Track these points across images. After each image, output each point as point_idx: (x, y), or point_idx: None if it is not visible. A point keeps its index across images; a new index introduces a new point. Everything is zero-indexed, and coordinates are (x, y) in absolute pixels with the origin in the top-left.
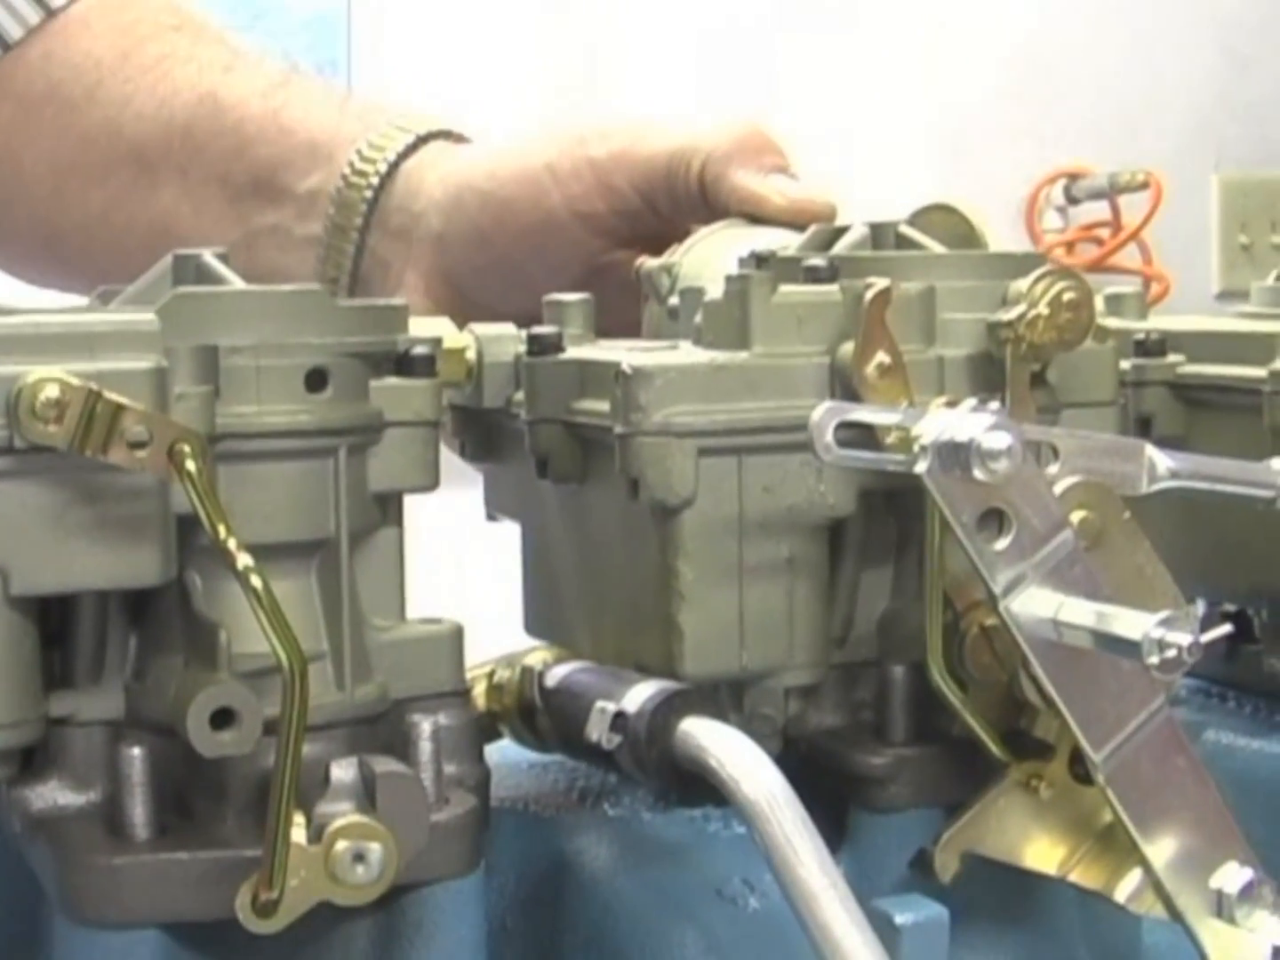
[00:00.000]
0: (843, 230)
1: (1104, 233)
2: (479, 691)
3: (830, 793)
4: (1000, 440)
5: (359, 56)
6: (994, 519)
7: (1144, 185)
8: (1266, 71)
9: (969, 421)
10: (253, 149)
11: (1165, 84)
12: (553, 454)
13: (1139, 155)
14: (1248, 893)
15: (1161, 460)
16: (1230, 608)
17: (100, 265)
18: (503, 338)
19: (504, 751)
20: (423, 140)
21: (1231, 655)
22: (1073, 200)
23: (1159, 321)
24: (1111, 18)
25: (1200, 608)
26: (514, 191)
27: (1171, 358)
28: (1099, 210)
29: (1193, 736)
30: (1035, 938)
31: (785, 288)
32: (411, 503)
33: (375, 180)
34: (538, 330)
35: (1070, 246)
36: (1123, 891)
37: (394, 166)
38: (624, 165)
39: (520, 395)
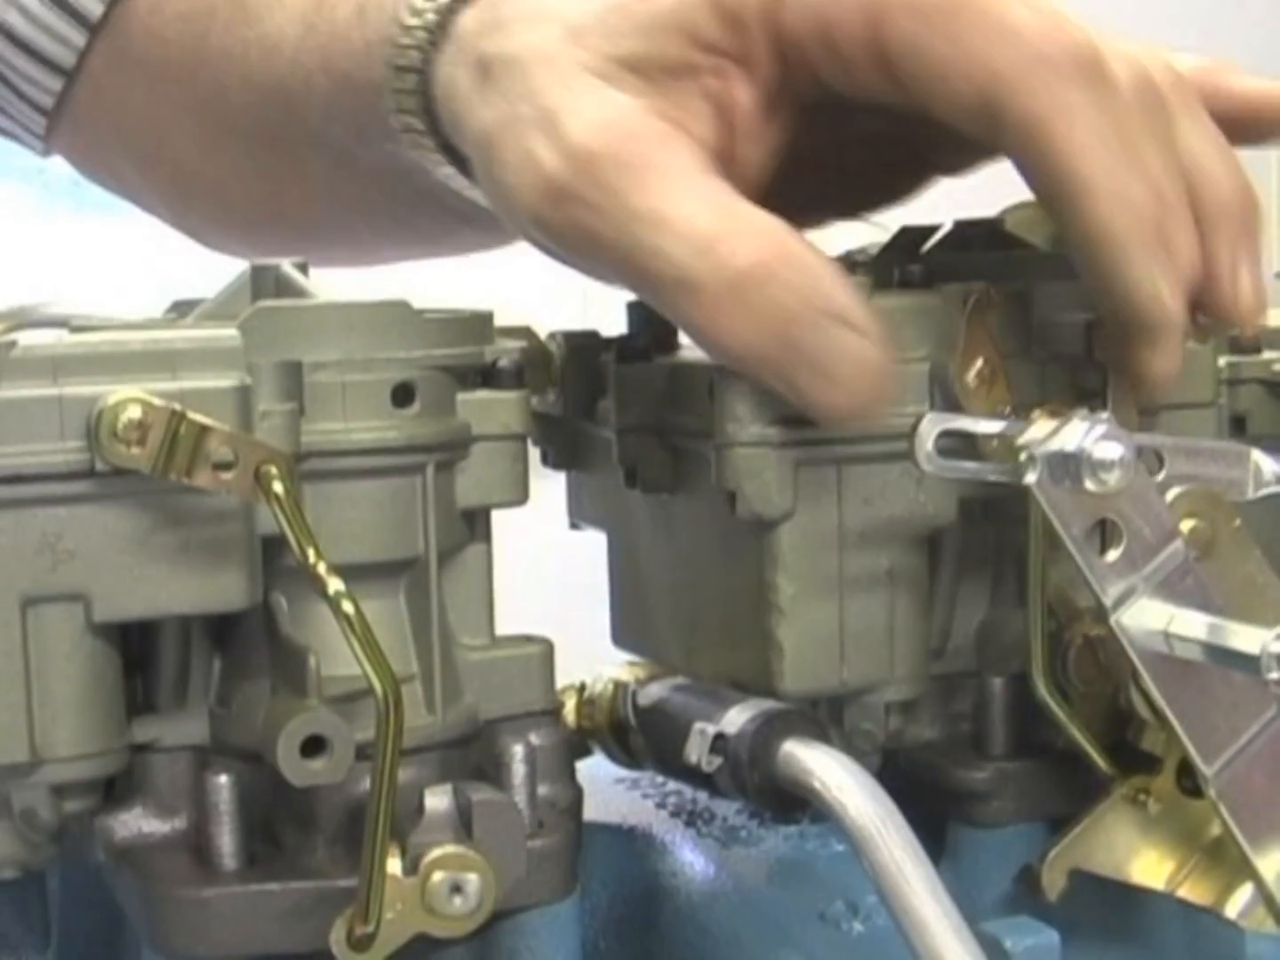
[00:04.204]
0: (931, 229)
1: None
2: (569, 708)
3: (930, 807)
4: (1112, 450)
5: None
6: (1103, 530)
7: None
8: None
9: (1078, 431)
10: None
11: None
12: (642, 463)
13: None
14: None
15: (1268, 465)
16: None
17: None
18: (586, 344)
19: (594, 767)
20: None
21: None
22: None
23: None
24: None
25: None
26: None
27: (1267, 354)
28: None
29: None
30: (1143, 955)
31: (881, 293)
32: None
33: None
34: (623, 336)
35: None
36: (1234, 907)
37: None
38: None
39: (607, 402)
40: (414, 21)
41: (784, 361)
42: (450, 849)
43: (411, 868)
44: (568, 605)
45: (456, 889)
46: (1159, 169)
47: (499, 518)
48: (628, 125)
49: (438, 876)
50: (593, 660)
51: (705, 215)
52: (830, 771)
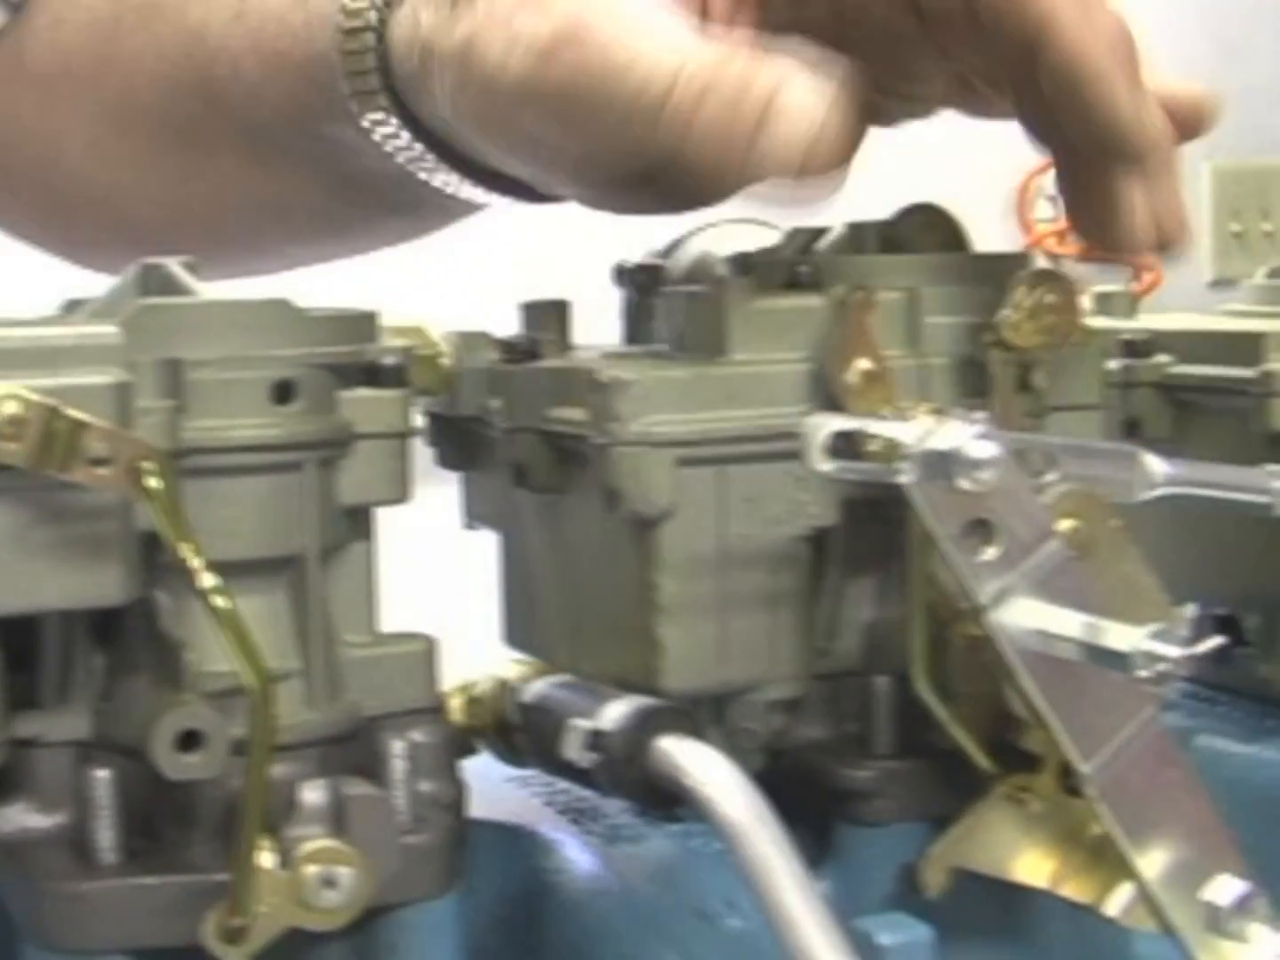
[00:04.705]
0: (822, 231)
1: None
2: (456, 706)
3: (816, 806)
4: (986, 449)
5: None
6: (979, 529)
7: None
8: (1257, 60)
9: (954, 430)
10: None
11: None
12: (529, 463)
13: None
14: (1241, 905)
15: (1156, 467)
16: (1222, 612)
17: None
18: (478, 344)
19: (485, 765)
20: None
21: (1223, 660)
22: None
23: (1147, 321)
24: None
25: (1192, 612)
26: None
27: (1160, 358)
28: None
29: (1184, 742)
30: (1025, 952)
31: (766, 294)
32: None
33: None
34: (512, 337)
35: (1061, 236)
36: (1114, 905)
37: None
38: None
39: (497, 403)
40: None
41: (743, 136)
42: (323, 843)
43: (284, 861)
44: (468, 606)
45: (329, 882)
46: (1117, 13)
47: (404, 517)
48: None
49: (310, 870)
50: (493, 661)
51: (668, 35)
52: (702, 768)
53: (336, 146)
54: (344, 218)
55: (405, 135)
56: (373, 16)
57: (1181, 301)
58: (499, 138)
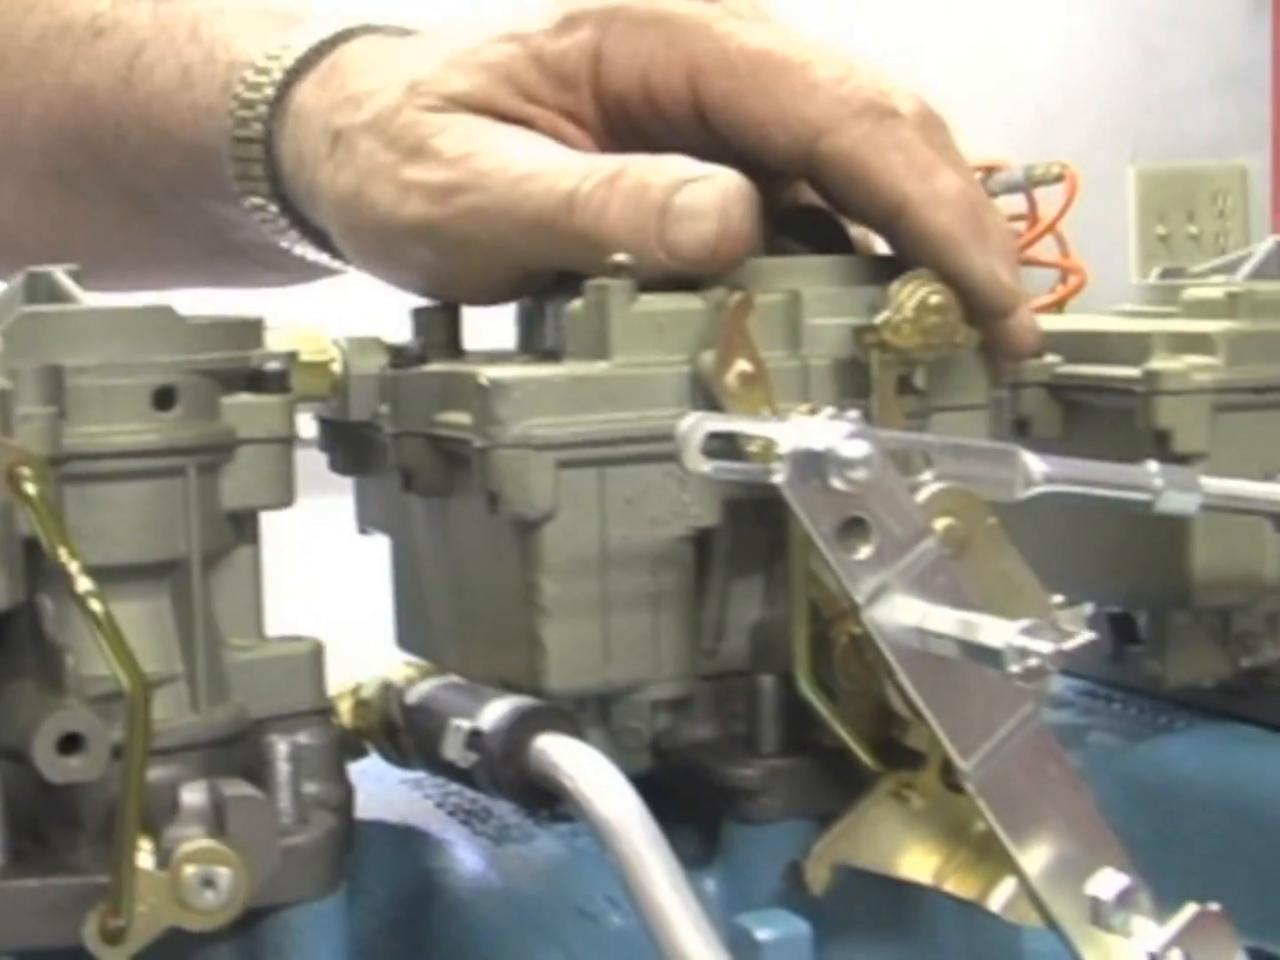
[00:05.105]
0: None
1: (1020, 225)
2: (345, 708)
3: (704, 805)
4: (857, 448)
5: None
6: (856, 528)
7: (1059, 178)
8: (1181, 63)
9: (826, 430)
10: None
11: (1081, 77)
12: (417, 467)
13: (1056, 148)
14: (1123, 899)
15: (1036, 465)
16: (1116, 610)
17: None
18: (368, 350)
19: (377, 768)
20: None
21: (1118, 657)
22: (989, 194)
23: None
24: (1026, 12)
25: (1087, 610)
26: None
27: (1049, 358)
28: (1016, 204)
29: (1077, 739)
30: (915, 948)
31: (646, 296)
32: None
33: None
34: (400, 342)
35: None
36: (997, 900)
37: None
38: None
39: (386, 408)
40: (252, 95)
41: (654, 222)
42: (202, 843)
43: (164, 862)
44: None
45: (208, 883)
46: (958, 172)
47: (307, 523)
48: (481, 124)
49: (189, 870)
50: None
51: (560, 156)
52: (578, 766)
53: (219, 219)
54: (225, 271)
55: (293, 231)
56: (259, 129)
57: (1107, 305)
58: (391, 271)
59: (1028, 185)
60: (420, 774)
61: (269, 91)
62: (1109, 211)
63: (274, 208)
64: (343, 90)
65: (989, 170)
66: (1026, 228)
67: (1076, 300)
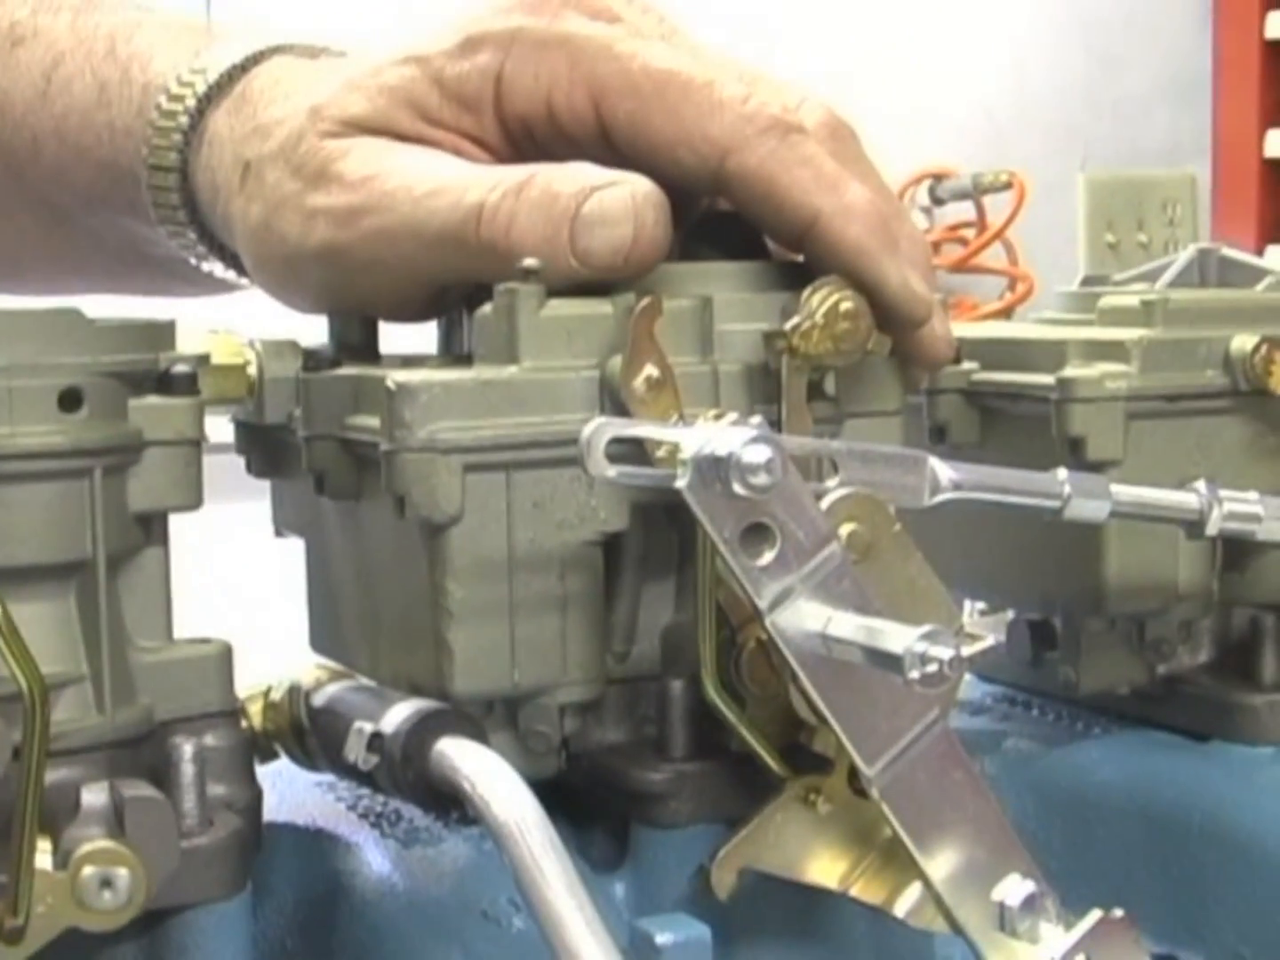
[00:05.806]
0: None
1: (970, 233)
2: (255, 710)
3: (614, 809)
4: (760, 454)
5: None
6: (759, 533)
7: (1007, 185)
8: (1132, 72)
9: (729, 435)
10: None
11: (1032, 85)
12: (328, 470)
13: (1007, 156)
14: (1029, 905)
15: (944, 472)
16: (1035, 617)
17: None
18: (284, 353)
19: (291, 771)
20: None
21: (1035, 663)
22: (938, 201)
23: (953, 329)
24: (978, 19)
25: (1009, 615)
26: None
27: (966, 365)
28: (965, 211)
29: (993, 745)
30: (825, 953)
31: (554, 301)
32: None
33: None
34: (312, 346)
35: (936, 247)
36: (903, 906)
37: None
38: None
39: (299, 411)
40: (166, 124)
41: (565, 230)
42: (100, 844)
43: (62, 862)
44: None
45: (106, 883)
46: (867, 183)
47: (222, 525)
48: (382, 145)
49: (87, 871)
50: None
51: (464, 170)
52: (477, 770)
53: (136, 235)
54: (143, 282)
55: (210, 255)
56: (174, 158)
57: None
58: (305, 300)
59: (976, 193)
60: (331, 776)
61: (183, 120)
62: (1058, 219)
63: (191, 234)
64: (252, 120)
65: (937, 178)
66: (975, 235)
67: (1024, 307)
